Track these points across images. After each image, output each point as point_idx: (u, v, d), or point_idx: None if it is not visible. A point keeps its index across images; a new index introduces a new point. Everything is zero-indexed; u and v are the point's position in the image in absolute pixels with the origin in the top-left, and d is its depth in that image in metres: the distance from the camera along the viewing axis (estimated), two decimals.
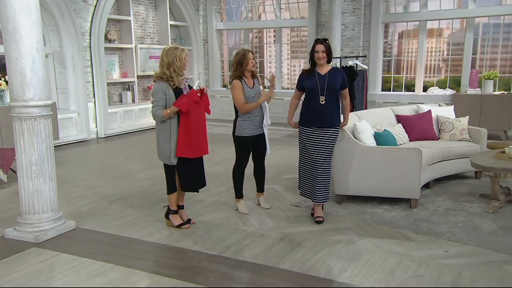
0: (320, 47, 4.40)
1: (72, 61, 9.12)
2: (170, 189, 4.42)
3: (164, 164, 4.35)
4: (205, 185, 4.52)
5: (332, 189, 4.84)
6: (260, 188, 5.04)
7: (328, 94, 4.43)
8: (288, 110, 4.79)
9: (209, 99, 4.40)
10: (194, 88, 4.21)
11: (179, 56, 4.11)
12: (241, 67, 4.56)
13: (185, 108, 4.06)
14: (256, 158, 4.87)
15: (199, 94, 4.21)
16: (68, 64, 9.13)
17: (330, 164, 4.54)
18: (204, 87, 4.34)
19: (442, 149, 5.61)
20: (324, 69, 4.47)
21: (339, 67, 4.48)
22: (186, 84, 4.30)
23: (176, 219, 4.45)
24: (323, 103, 4.41)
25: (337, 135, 4.56)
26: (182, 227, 4.41)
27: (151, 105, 4.41)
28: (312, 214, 4.66)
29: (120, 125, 10.16)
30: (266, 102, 4.69)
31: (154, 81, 4.23)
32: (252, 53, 4.64)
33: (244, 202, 4.93)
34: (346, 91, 4.64)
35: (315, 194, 4.52)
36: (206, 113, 4.37)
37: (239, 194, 4.90)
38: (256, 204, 5.05)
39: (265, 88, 5.02)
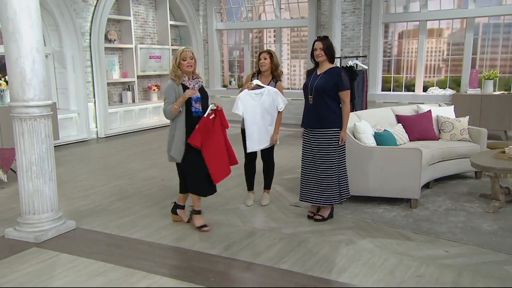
0: (318, 45, 4.37)
1: (72, 61, 9.11)
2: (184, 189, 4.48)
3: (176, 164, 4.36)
4: (215, 191, 4.45)
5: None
6: (265, 185, 5.16)
7: (316, 94, 4.36)
8: None
9: (224, 114, 4.30)
10: (206, 113, 4.13)
11: (177, 55, 4.24)
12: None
13: (198, 143, 4.08)
14: (262, 156, 5.02)
15: (212, 116, 4.16)
16: (68, 64, 9.12)
17: (329, 166, 4.39)
18: (218, 105, 4.23)
19: (442, 149, 5.61)
20: (322, 68, 4.42)
21: (340, 67, 4.38)
22: (196, 86, 4.25)
23: (198, 220, 4.38)
24: (311, 102, 4.42)
25: (328, 137, 4.35)
26: (202, 229, 4.30)
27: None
28: (309, 216, 4.63)
29: (120, 125, 10.15)
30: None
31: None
32: (270, 56, 4.77)
33: (253, 195, 5.14)
34: (344, 94, 4.31)
35: (316, 195, 4.50)
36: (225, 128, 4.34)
37: (248, 187, 5.14)
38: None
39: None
